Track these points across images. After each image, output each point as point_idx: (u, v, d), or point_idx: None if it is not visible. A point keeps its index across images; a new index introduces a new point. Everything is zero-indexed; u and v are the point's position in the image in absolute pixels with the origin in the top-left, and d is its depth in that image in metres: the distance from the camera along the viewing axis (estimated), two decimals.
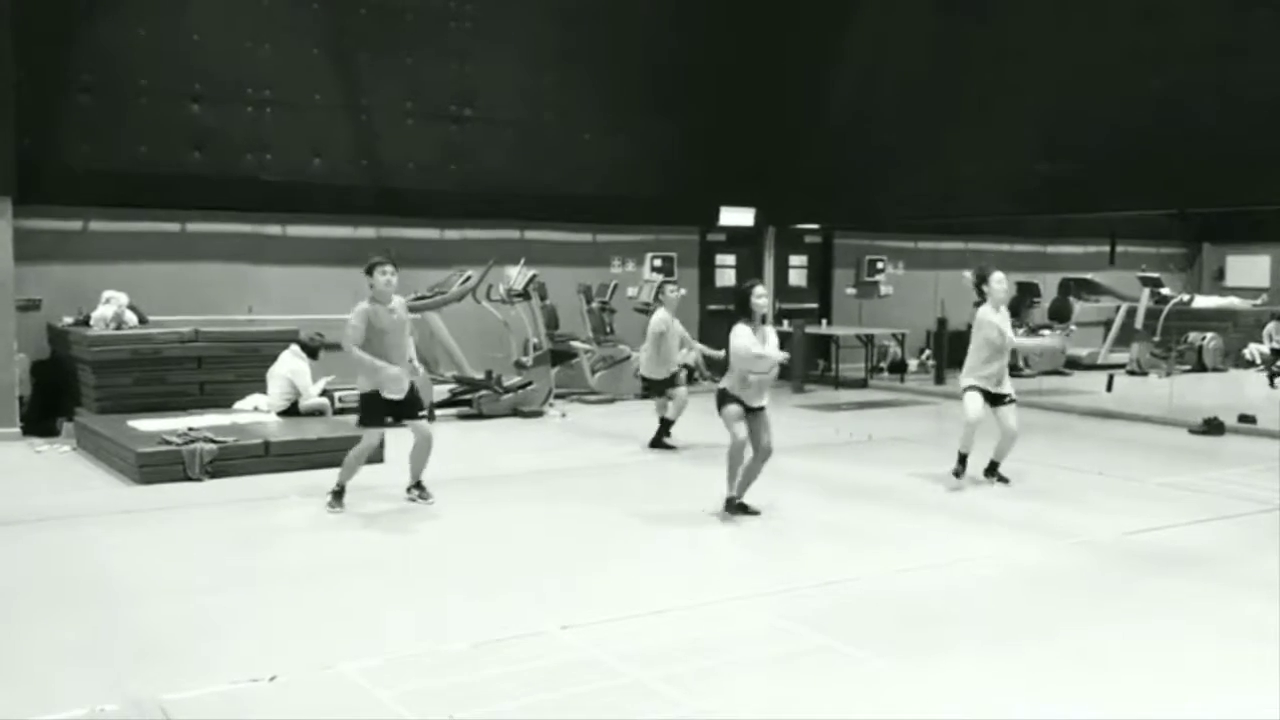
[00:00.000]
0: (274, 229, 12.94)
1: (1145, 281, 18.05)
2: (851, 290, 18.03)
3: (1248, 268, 20.16)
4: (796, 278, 17.64)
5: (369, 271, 7.81)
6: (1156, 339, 17.03)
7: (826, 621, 5.47)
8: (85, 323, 11.11)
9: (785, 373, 16.13)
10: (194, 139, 12.39)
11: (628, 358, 14.30)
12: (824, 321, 17.13)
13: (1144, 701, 4.57)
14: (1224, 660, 5.06)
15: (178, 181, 12.23)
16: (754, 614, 5.62)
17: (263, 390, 10.83)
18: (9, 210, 10.95)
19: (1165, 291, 17.48)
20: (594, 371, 14.12)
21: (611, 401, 13.88)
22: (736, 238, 16.82)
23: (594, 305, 14.47)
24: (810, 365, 16.17)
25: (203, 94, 12.44)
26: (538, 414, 12.73)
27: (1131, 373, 17.04)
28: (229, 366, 11.10)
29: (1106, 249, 18.28)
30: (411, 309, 12.61)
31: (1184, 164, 11.53)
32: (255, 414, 10.58)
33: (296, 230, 12.98)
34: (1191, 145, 11.38)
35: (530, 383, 12.83)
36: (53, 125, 11.59)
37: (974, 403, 8.60)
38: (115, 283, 11.48)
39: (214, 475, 8.83)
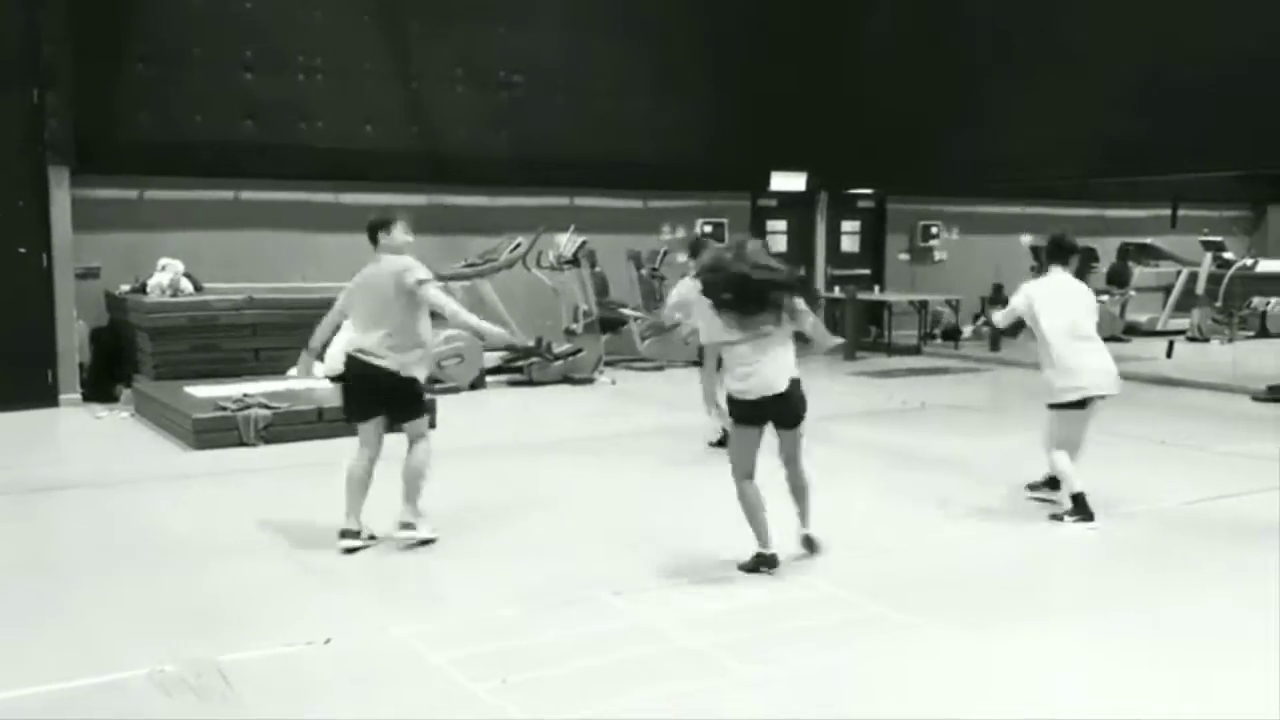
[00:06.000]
0: (326, 196, 13.00)
1: (1208, 245, 17.57)
2: (905, 255, 17.80)
3: None
4: (849, 243, 17.45)
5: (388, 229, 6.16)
6: (1218, 304, 16.62)
7: (882, 590, 5.40)
8: (142, 290, 11.25)
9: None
10: (247, 107, 12.45)
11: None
12: (876, 288, 16.92)
13: (1206, 675, 4.48)
14: None
15: (231, 150, 12.32)
16: (809, 581, 5.57)
17: (318, 357, 10.89)
18: (66, 180, 11.08)
19: (1228, 256, 17.04)
20: (643, 339, 14.08)
21: (661, 368, 13.85)
22: (788, 202, 16.65)
23: (644, 272, 14.40)
24: (862, 332, 16.01)
25: (255, 63, 12.49)
26: (588, 381, 12.73)
27: (1192, 339, 16.69)
28: (283, 333, 11.16)
29: (1167, 212, 17.87)
30: (463, 276, 12.74)
31: (1255, 125, 11.20)
32: (309, 380, 10.63)
33: (349, 198, 13.02)
34: (1263, 106, 11.05)
35: (580, 350, 12.83)
36: (109, 95, 11.69)
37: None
38: (171, 250, 11.61)
39: (269, 441, 8.92)
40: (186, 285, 11.35)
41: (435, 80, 13.49)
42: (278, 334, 11.16)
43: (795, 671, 4.46)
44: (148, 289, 11.17)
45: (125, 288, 11.57)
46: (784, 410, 5.59)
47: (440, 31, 13.41)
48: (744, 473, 5.68)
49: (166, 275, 11.23)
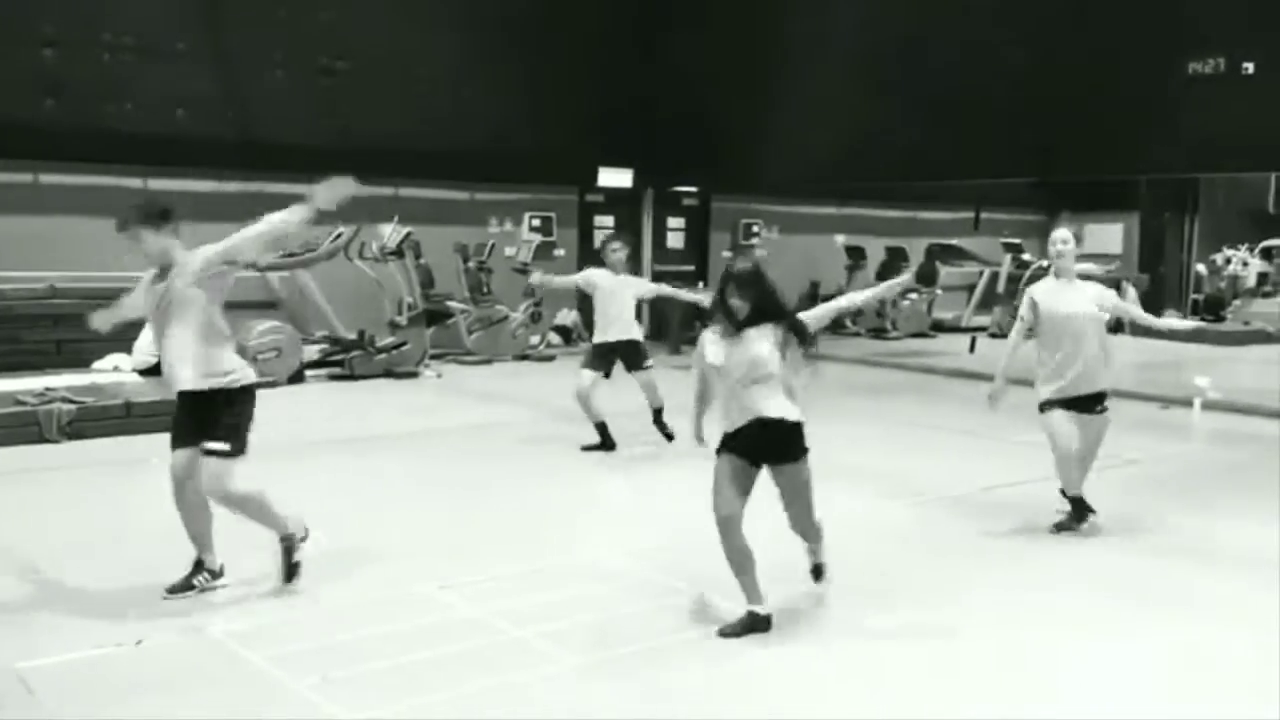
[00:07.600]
0: (135, 182, 12.43)
1: (1008, 247, 18.71)
2: (728, 253, 18.20)
3: (1102, 235, 21.00)
4: (674, 240, 17.76)
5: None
6: (1018, 303, 17.60)
7: (701, 577, 5.55)
8: None
9: (662, 334, 16.31)
10: (47, 86, 11.80)
11: (505, 318, 14.23)
12: (701, 284, 17.25)
13: (1001, 657, 4.77)
14: (1084, 610, 5.30)
15: (29, 131, 11.65)
16: (631, 569, 5.68)
17: (124, 349, 10.44)
18: None
19: (1026, 257, 18.14)
20: (470, 332, 14.01)
21: (488, 362, 13.80)
22: (615, 199, 16.82)
23: (471, 265, 14.33)
24: (687, 327, 16.29)
25: (57, 38, 11.84)
26: (412, 374, 12.59)
27: (994, 335, 17.58)
28: (89, 324, 10.66)
29: (972, 215, 18.87)
30: (280, 266, 12.40)
31: (1045, 135, 12.00)
32: (115, 374, 10.21)
33: (160, 184, 12.48)
34: (1051, 117, 11.83)
35: (405, 343, 12.67)
36: None
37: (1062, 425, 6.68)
38: None
39: (72, 437, 8.51)
40: None
41: (254, 63, 13.07)
42: (82, 325, 10.59)
43: (621, 656, 4.55)
44: None
45: None
46: None
47: (260, 13, 12.99)
48: None
49: None
